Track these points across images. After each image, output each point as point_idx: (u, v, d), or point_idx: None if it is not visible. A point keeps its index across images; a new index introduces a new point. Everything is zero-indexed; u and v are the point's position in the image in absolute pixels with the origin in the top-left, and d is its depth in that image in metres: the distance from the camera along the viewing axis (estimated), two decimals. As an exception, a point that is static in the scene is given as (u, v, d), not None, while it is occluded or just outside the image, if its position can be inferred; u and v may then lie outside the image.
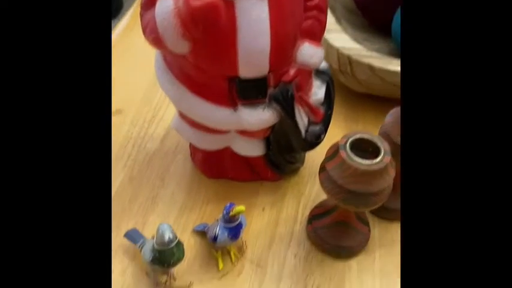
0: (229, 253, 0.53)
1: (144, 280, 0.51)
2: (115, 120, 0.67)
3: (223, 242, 0.50)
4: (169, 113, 0.68)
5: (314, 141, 0.54)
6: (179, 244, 0.46)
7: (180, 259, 0.46)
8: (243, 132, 0.52)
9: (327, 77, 0.52)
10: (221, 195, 0.59)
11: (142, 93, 0.71)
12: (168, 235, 0.43)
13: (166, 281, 0.50)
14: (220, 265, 0.52)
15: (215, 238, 0.49)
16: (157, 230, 0.44)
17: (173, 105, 0.52)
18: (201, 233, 0.55)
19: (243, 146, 0.55)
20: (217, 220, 0.51)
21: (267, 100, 0.48)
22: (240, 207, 0.48)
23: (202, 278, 0.52)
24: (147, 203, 0.58)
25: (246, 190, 0.59)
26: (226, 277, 0.52)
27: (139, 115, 0.68)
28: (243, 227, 0.51)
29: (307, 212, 0.57)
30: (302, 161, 0.61)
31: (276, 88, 0.47)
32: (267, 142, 0.55)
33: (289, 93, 0.47)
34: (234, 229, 0.49)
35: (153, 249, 0.46)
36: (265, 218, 0.57)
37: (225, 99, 0.47)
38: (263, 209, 0.58)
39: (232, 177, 0.60)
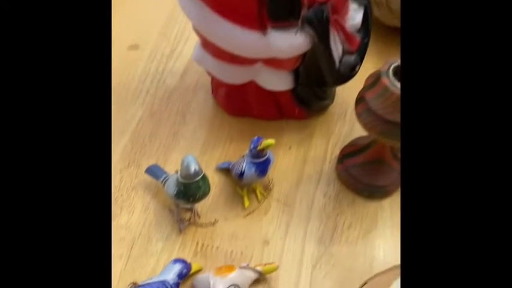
0: (254, 191, 0.51)
1: (167, 217, 0.49)
2: (131, 55, 0.63)
3: (249, 179, 0.47)
4: (188, 47, 0.63)
5: (348, 74, 0.50)
6: (205, 177, 0.43)
7: (206, 193, 0.44)
8: (271, 63, 0.48)
9: (364, 0, 0.47)
10: (245, 134, 0.56)
11: (159, 28, 0.67)
12: (193, 167, 0.41)
13: (190, 218, 0.49)
14: (246, 203, 0.50)
15: (241, 174, 0.47)
16: (182, 162, 0.42)
17: (192, 39, 0.48)
18: (225, 170, 0.52)
19: (269, 79, 0.51)
20: (243, 156, 0.48)
21: (299, 23, 0.43)
22: (269, 141, 0.44)
23: (227, 215, 0.49)
24: (168, 139, 0.55)
25: (271, 129, 0.56)
26: (252, 215, 0.49)
27: (156, 50, 0.64)
28: (271, 162, 0.48)
29: (336, 151, 0.54)
30: (332, 98, 0.57)
31: (310, 9, 0.43)
32: (296, 75, 0.51)
33: (324, 14, 0.43)
34: (262, 165, 0.46)
35: (178, 183, 0.43)
36: (291, 157, 0.54)
37: (253, 20, 0.42)
38: (289, 148, 0.55)
39: (256, 115, 0.57)
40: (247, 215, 0.49)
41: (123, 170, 0.52)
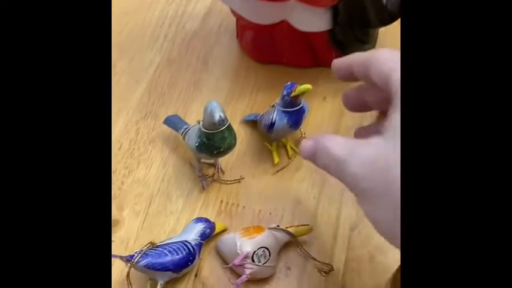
0: (285, 146, 0.45)
1: (188, 173, 0.44)
2: (148, -3, 0.57)
3: (280, 131, 0.42)
4: (210, -12, 0.57)
5: (396, 12, 0.43)
6: (230, 128, 0.38)
7: (231, 146, 0.39)
8: (306, -2, 0.41)
9: None
10: (273, 83, 0.50)
11: (177, -33, 0.60)
12: (218, 114, 0.35)
13: (213, 174, 0.44)
14: (276, 159, 0.44)
15: (271, 126, 0.41)
16: (205, 108, 0.36)
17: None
18: (252, 123, 0.47)
19: (304, 18, 0.45)
20: (273, 105, 0.42)
21: None
22: (305, 86, 0.38)
23: (255, 172, 0.44)
24: (189, 89, 0.50)
25: (303, 77, 0.49)
26: (282, 172, 0.44)
27: (175, -9, 0.57)
28: (306, 113, 0.42)
29: (377, 103, 0.48)
30: (374, 42, 0.50)
31: None
32: (335, 13, 0.44)
33: None
34: (295, 115, 0.41)
35: (200, 133, 0.38)
36: (327, 109, 0.48)
37: None
38: (324, 98, 0.49)
39: (286, 62, 0.50)
40: (277, 172, 0.44)
41: (140, 122, 0.47)
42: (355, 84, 0.33)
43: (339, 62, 0.33)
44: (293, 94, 0.39)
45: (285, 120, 0.40)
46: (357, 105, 0.34)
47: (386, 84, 0.28)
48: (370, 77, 0.29)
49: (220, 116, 0.35)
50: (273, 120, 0.41)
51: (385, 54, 0.29)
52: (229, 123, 0.38)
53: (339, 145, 0.28)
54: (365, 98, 0.32)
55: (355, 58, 0.31)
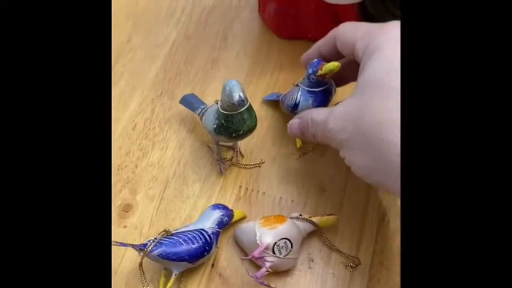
0: (309, 129, 0.42)
1: (206, 156, 0.42)
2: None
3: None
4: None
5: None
6: (251, 109, 0.35)
7: (251, 128, 0.36)
8: (336, -35, 0.37)
9: None
10: (297, 60, 0.46)
11: None
12: (238, 93, 0.32)
13: (232, 158, 0.41)
14: (299, 142, 0.41)
15: (295, 106, 0.38)
16: (224, 87, 0.33)
17: None
18: (274, 103, 0.44)
19: (332, -11, 0.41)
20: (297, 85, 0.39)
21: None
22: (332, 64, 0.35)
23: (276, 156, 0.42)
24: (207, 66, 0.47)
25: (329, 54, 0.46)
26: (306, 157, 0.41)
27: (193, -39, 0.54)
28: (333, 94, 0.38)
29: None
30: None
31: None
32: (367, -17, 0.40)
33: None
34: (321, 95, 0.37)
35: (218, 114, 0.35)
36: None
37: None
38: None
39: (312, 37, 0.46)
40: (300, 156, 0.41)
41: (155, 100, 0.45)
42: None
43: (306, 54, 0.39)
44: (319, 73, 0.35)
45: (310, 101, 0.37)
46: (341, 81, 0.39)
47: (352, 53, 0.33)
48: (338, 50, 0.35)
49: (240, 96, 0.32)
50: (297, 100, 0.38)
51: (347, 27, 0.35)
52: (250, 104, 0.35)
53: (320, 112, 0.34)
54: (343, 73, 0.37)
55: (320, 41, 0.37)
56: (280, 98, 0.42)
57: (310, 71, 0.36)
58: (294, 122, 0.37)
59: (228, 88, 0.33)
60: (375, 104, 0.29)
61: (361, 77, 0.31)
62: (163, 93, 0.45)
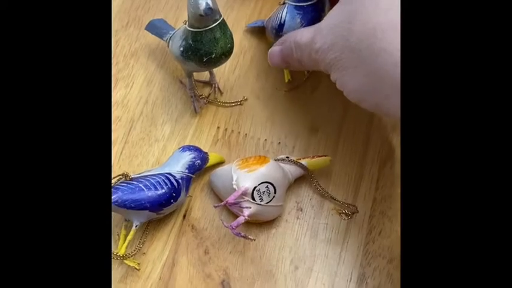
0: (299, 61, 0.36)
1: (179, 92, 0.35)
2: None
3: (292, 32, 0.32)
4: None
5: None
6: (225, 26, 0.28)
7: (226, 51, 0.29)
8: None
9: None
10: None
11: None
12: (204, 1, 0.26)
13: (209, 95, 0.35)
14: (287, 76, 0.35)
15: (280, 27, 0.31)
16: (189, -4, 0.27)
17: None
18: (258, 32, 0.37)
19: None
20: (284, 3, 0.32)
21: None
22: (325, -33, 0.28)
23: (260, 92, 0.35)
24: (180, -9, 0.40)
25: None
26: (295, 93, 0.35)
27: None
28: (326, 10, 0.32)
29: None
30: None
31: None
32: None
33: None
34: (311, 11, 0.31)
35: (186, 34, 0.29)
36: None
37: None
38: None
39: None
40: (288, 91, 0.35)
41: (120, 31, 0.38)
42: None
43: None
44: (309, -20, 0.29)
45: (298, 19, 0.31)
46: None
47: None
48: None
49: (207, 4, 0.26)
50: (282, 19, 0.31)
51: None
52: (223, 19, 0.28)
53: (305, 32, 0.29)
54: None
55: None
56: (265, 23, 0.35)
57: (299, -20, 0.30)
58: (275, 49, 0.31)
59: (193, -4, 0.26)
60: (366, 6, 0.24)
61: None
62: (130, 22, 0.39)
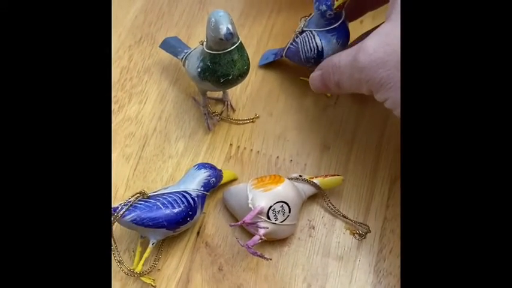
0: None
1: (192, 109, 0.36)
2: None
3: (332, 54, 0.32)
4: None
5: None
6: (242, 48, 0.29)
7: (242, 72, 0.30)
8: None
9: None
10: (298, 2, 0.40)
11: None
12: (226, 25, 0.26)
13: (221, 112, 0.36)
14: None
15: (319, 54, 0.31)
16: (209, 20, 0.27)
17: None
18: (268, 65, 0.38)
19: None
20: (302, 31, 0.32)
21: None
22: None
23: (272, 110, 0.36)
24: (193, 8, 0.41)
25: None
26: (307, 111, 0.36)
27: None
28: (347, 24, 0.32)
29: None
30: None
31: None
32: None
33: None
34: (342, 28, 0.31)
35: (204, 55, 0.29)
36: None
37: None
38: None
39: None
40: (305, 110, 0.36)
41: (133, 47, 0.39)
42: None
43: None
44: (337, 4, 0.29)
45: (334, 40, 0.31)
46: (355, 12, 0.34)
47: None
48: None
49: (228, 29, 0.26)
50: (319, 47, 0.31)
51: None
52: (241, 42, 0.29)
53: (343, 55, 0.28)
54: (364, 1, 0.33)
55: None
56: (283, 54, 0.35)
57: (325, 7, 0.30)
58: (316, 74, 0.31)
59: (213, 20, 0.27)
60: None
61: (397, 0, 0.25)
62: (143, 38, 0.39)
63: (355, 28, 0.38)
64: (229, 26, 0.27)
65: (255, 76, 0.37)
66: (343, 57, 0.28)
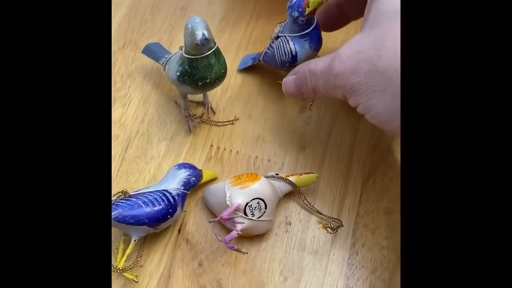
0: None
1: (173, 112, 0.37)
2: None
3: (305, 59, 0.33)
4: None
5: None
6: (218, 52, 0.31)
7: (220, 76, 0.31)
8: None
9: None
10: (277, 8, 0.42)
11: None
12: (201, 31, 0.28)
13: (202, 114, 0.37)
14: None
15: (293, 58, 0.33)
16: (186, 26, 0.29)
17: None
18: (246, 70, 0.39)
19: None
20: (278, 37, 0.34)
21: None
22: (319, -5, 0.30)
23: (251, 112, 0.38)
24: (175, 15, 0.42)
25: None
26: (284, 113, 0.37)
27: None
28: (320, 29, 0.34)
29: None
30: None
31: None
32: None
33: None
34: (315, 33, 0.33)
35: (182, 60, 0.31)
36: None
37: None
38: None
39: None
40: (287, 114, 0.37)
41: (117, 53, 0.40)
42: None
43: None
44: (308, 10, 0.31)
45: (307, 45, 0.33)
46: (336, 21, 0.36)
47: None
48: None
49: (203, 34, 0.28)
50: (293, 51, 0.33)
51: None
52: (218, 47, 0.30)
53: (319, 61, 0.29)
54: (344, 11, 0.35)
55: None
56: (261, 58, 0.37)
57: (296, 13, 0.32)
58: (289, 78, 0.32)
59: (190, 26, 0.28)
60: (394, 34, 0.25)
61: (374, 7, 0.27)
62: (126, 44, 0.41)
63: (329, 34, 0.40)
64: (205, 32, 0.28)
65: (234, 80, 0.39)
66: (319, 64, 0.29)
